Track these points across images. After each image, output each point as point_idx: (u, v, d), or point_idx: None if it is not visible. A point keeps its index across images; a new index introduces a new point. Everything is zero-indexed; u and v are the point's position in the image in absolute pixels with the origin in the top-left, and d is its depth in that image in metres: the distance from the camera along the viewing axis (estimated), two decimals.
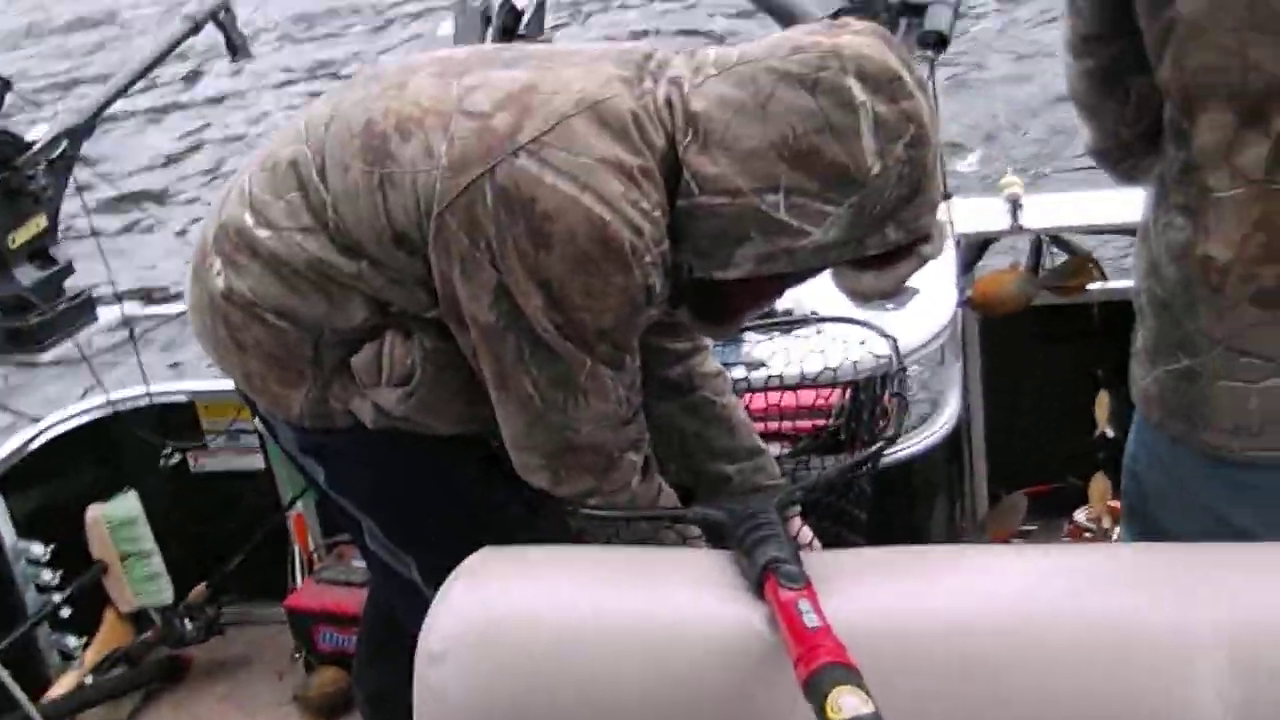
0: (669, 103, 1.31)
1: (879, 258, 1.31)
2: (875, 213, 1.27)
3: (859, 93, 1.25)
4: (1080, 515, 2.52)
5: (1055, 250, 2.37)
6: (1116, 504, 2.35)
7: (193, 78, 7.67)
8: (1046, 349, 2.44)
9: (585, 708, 1.07)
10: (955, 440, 2.26)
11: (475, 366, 1.38)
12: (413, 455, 1.48)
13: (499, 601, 1.16)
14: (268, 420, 1.57)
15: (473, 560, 1.20)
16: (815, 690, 0.94)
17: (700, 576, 1.16)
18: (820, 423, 2.00)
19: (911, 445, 2.06)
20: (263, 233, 1.42)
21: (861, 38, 1.28)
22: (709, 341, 1.63)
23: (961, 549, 1.51)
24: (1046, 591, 1.08)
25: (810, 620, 1.01)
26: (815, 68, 1.26)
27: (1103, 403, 2.33)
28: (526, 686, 1.09)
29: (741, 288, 1.35)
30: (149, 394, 2.58)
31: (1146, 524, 1.55)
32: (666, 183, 1.29)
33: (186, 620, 2.55)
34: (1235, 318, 1.33)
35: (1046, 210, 2.39)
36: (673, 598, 1.13)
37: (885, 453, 1.57)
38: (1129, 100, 1.42)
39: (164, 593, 2.55)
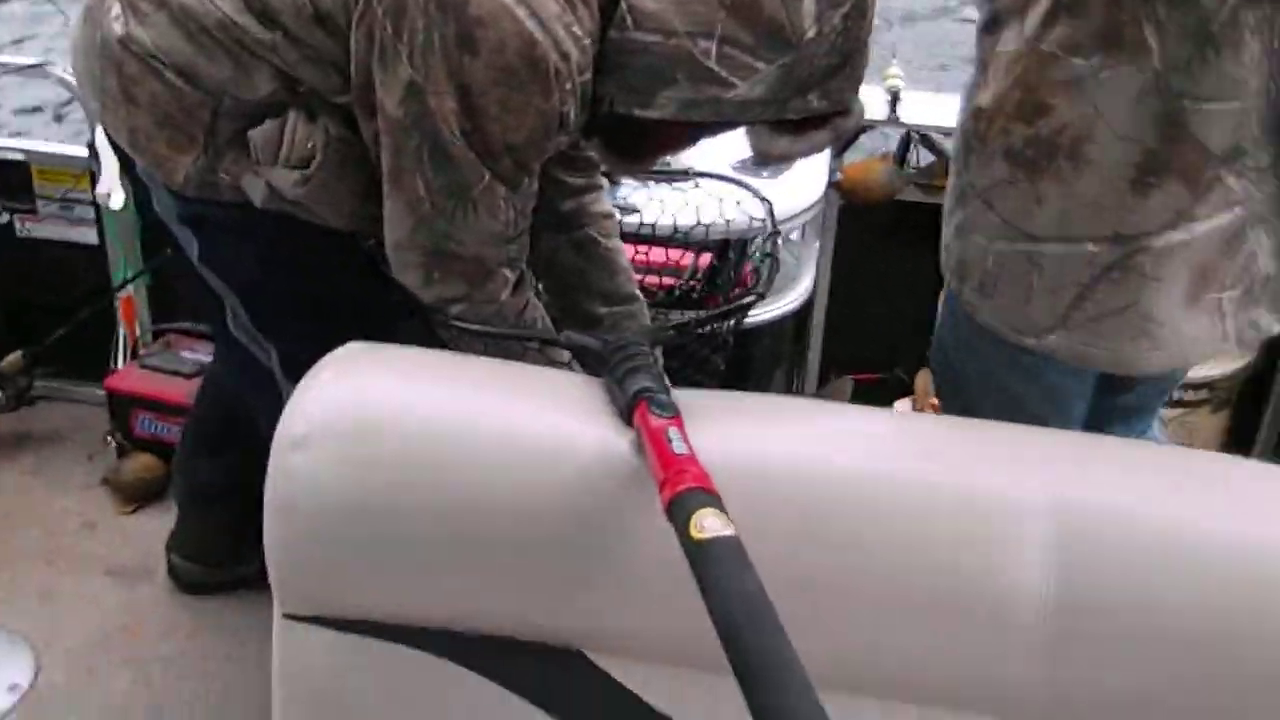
0: None
1: (796, 123, 1.32)
2: (802, 77, 1.28)
3: None
4: (898, 405, 2.65)
5: (922, 148, 2.43)
6: (936, 401, 2.48)
7: None
8: (899, 244, 2.52)
9: (450, 509, 1.07)
10: (802, 315, 2.33)
11: (375, 159, 1.35)
12: (295, 241, 1.44)
13: (368, 392, 1.14)
14: (143, 181, 1.50)
15: (342, 352, 1.19)
16: (679, 511, 0.97)
17: (570, 397, 1.16)
18: (678, 281, 2.03)
19: (764, 313, 2.12)
20: None
21: None
22: (604, 182, 1.62)
23: (818, 403, 1.57)
24: (897, 449, 1.13)
25: (679, 447, 1.04)
26: None
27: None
28: (391, 480, 1.08)
29: (658, 129, 1.35)
30: None
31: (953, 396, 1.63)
32: (602, 11, 1.27)
33: None
34: (991, 171, 1.40)
35: (922, 107, 2.44)
36: (543, 414, 1.14)
37: (750, 311, 1.61)
38: None
39: None
